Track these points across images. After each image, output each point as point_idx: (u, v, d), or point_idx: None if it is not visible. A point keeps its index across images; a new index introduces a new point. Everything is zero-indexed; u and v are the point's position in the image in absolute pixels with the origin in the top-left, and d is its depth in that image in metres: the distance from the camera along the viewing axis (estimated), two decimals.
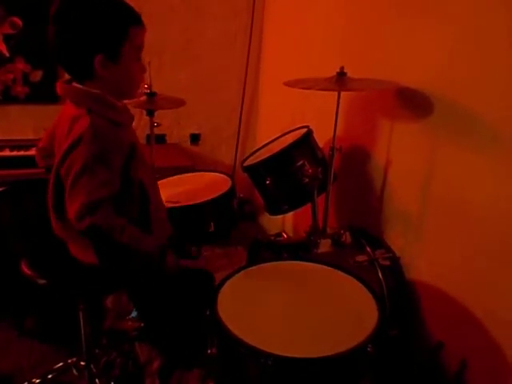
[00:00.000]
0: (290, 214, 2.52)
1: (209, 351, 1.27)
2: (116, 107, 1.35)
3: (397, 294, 1.72)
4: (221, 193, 1.94)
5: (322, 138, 2.00)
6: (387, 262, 1.77)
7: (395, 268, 1.79)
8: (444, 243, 1.66)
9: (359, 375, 1.20)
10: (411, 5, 1.73)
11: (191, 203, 1.86)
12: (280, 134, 2.15)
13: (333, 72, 1.71)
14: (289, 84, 1.74)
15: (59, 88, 1.35)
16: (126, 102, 1.48)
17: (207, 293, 1.51)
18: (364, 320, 1.23)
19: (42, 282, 1.48)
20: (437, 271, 1.69)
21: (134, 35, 1.29)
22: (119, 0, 1.30)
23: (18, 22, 2.51)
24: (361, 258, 1.76)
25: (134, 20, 1.29)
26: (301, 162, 1.86)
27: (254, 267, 1.49)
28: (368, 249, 1.80)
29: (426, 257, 1.74)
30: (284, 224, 2.86)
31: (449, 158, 1.61)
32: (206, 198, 1.89)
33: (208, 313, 1.25)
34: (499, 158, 1.42)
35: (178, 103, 2.08)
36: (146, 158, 1.54)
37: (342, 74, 1.70)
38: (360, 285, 1.39)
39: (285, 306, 1.31)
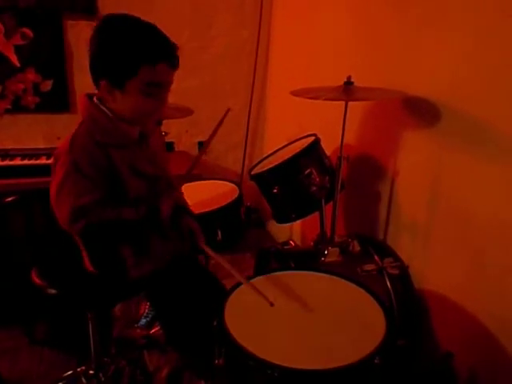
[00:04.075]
0: (297, 223, 2.52)
1: (216, 361, 1.28)
2: (108, 129, 1.37)
3: (405, 304, 1.71)
4: (228, 201, 1.94)
5: (329, 147, 2.00)
6: (396, 271, 1.76)
7: (404, 277, 1.78)
8: (452, 253, 1.65)
9: None
10: (419, 14, 1.73)
11: (198, 212, 1.86)
12: (288, 142, 2.16)
13: (340, 81, 1.72)
14: (296, 93, 1.74)
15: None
16: None
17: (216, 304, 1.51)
18: (372, 331, 1.22)
19: (51, 291, 1.50)
20: (446, 280, 1.68)
21: (145, 74, 1.28)
22: (150, 34, 1.29)
23: (29, 32, 2.54)
24: (369, 266, 1.75)
25: (151, 59, 1.27)
26: (308, 171, 1.86)
27: (261, 277, 1.49)
28: (376, 257, 1.79)
29: (435, 266, 1.73)
30: (292, 232, 2.86)
31: (457, 168, 1.60)
32: (213, 207, 1.90)
33: (215, 323, 1.26)
34: (507, 169, 1.41)
35: (186, 112, 2.09)
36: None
37: (349, 84, 1.70)
38: (368, 295, 1.38)
39: (292, 316, 1.31)
